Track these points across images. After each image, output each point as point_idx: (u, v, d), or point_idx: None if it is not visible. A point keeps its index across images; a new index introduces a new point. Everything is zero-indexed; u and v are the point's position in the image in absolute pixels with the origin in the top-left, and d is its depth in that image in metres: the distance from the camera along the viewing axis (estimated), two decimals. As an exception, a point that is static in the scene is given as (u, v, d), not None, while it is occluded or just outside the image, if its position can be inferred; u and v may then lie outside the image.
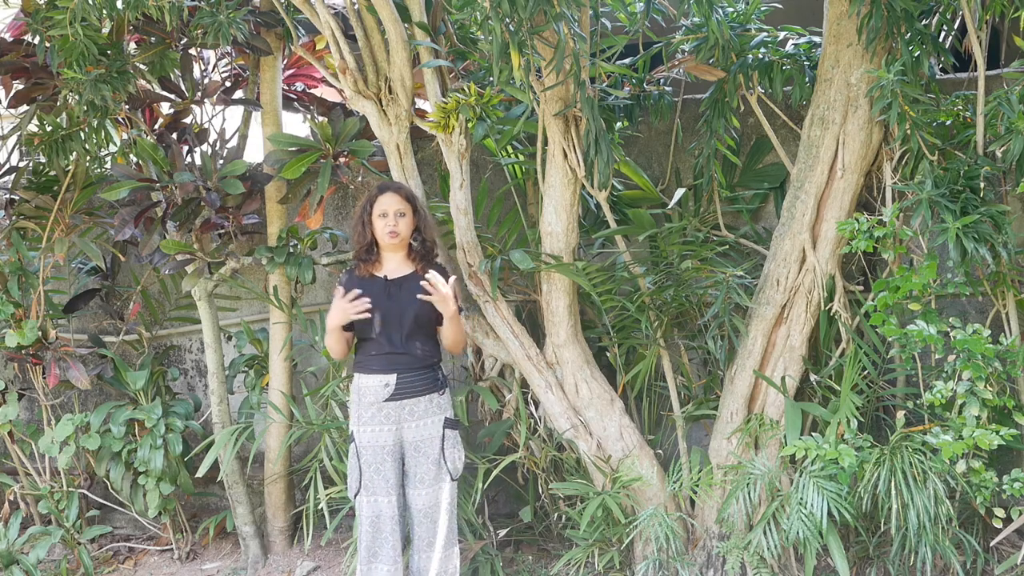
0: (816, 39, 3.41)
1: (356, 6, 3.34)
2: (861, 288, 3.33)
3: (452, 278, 2.90)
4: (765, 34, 3.41)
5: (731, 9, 3.48)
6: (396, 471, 2.92)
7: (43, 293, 3.89)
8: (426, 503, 2.93)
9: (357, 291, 2.86)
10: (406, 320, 2.91)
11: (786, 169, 3.51)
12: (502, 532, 3.64)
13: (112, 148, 3.91)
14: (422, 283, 2.84)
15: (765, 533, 3.07)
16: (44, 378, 3.88)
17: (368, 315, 2.85)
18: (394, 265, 2.98)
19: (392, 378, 2.89)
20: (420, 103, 3.67)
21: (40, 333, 3.82)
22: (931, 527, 2.88)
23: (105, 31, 3.44)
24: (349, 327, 2.94)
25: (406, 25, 3.32)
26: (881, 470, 2.93)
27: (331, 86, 3.76)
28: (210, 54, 4.03)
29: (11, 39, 3.71)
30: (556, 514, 3.60)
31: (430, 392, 2.94)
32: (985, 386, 2.90)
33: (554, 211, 3.26)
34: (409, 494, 2.95)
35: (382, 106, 3.38)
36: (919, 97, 2.91)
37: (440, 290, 2.82)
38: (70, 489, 4.00)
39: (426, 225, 3.01)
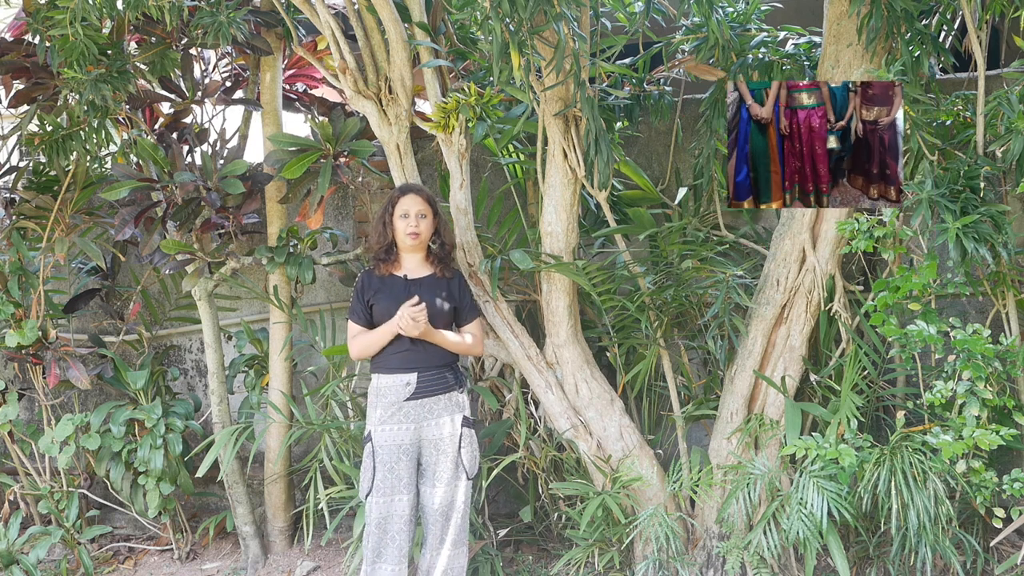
0: (816, 39, 3.41)
1: (356, 6, 3.34)
2: (861, 288, 3.33)
3: (421, 306, 2.86)
4: (765, 34, 3.42)
5: (731, 9, 3.48)
6: (410, 471, 2.92)
7: (43, 293, 3.89)
8: (442, 502, 2.93)
9: (416, 299, 2.86)
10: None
11: (786, 169, 3.51)
12: (502, 532, 3.64)
13: (112, 148, 3.91)
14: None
15: (765, 533, 3.07)
16: (44, 378, 3.88)
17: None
18: (413, 266, 3.00)
19: (413, 377, 2.90)
20: (420, 104, 3.67)
21: (40, 333, 3.82)
22: (931, 527, 2.88)
23: (105, 31, 3.44)
24: (368, 325, 2.96)
25: (406, 25, 3.32)
26: (881, 470, 2.93)
27: (331, 86, 3.76)
28: (210, 54, 4.03)
29: (11, 39, 3.71)
30: (556, 514, 3.60)
31: (450, 390, 2.95)
32: (985, 386, 2.89)
33: (554, 211, 3.26)
34: (425, 493, 2.95)
35: (382, 106, 3.38)
36: (919, 97, 2.91)
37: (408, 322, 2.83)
38: (70, 489, 4.00)
39: (445, 229, 3.04)
